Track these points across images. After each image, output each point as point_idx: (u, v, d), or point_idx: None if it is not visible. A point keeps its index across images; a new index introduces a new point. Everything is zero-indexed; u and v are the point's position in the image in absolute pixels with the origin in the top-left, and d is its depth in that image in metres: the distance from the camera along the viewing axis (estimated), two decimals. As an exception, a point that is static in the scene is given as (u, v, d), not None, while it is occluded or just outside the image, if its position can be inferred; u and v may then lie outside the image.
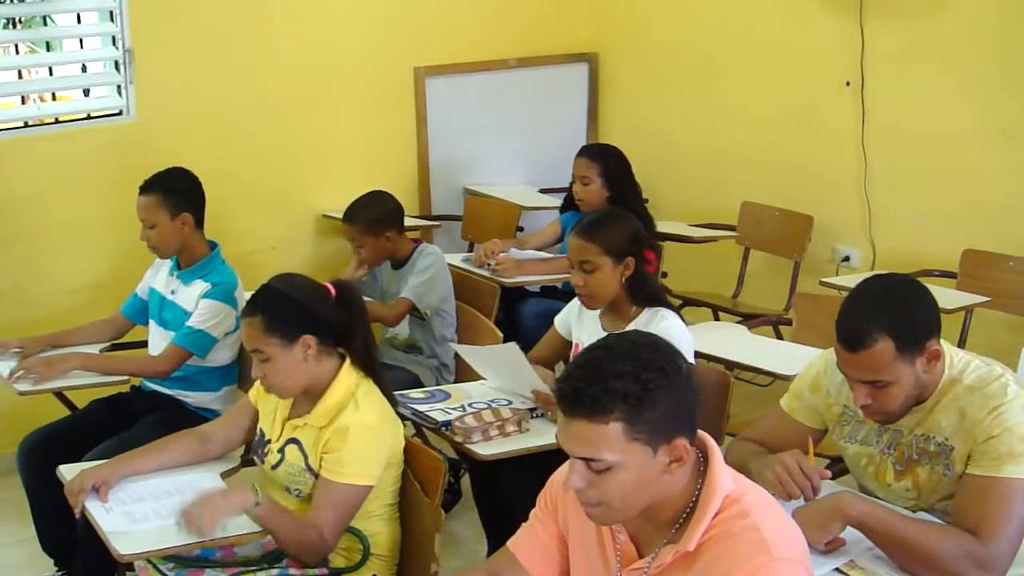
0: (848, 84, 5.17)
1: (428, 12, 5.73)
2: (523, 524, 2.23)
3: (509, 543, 2.21)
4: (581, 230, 3.27)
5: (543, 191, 5.93)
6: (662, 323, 3.17)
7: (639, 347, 1.87)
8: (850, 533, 2.33)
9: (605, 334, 3.13)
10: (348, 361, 2.83)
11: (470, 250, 5.54)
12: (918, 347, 2.36)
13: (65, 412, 3.90)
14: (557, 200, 5.29)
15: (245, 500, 2.54)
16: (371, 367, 2.83)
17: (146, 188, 3.76)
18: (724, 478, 1.93)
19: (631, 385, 1.81)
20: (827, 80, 5.28)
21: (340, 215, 4.54)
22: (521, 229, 5.48)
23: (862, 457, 2.58)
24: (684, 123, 5.98)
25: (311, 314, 2.76)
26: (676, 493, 1.93)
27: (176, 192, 3.74)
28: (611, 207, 4.26)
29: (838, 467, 2.82)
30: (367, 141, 5.63)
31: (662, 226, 5.00)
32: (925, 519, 2.42)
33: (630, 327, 3.20)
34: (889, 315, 2.36)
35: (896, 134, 5.06)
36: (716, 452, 1.96)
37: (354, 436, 2.66)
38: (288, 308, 2.74)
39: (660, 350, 1.89)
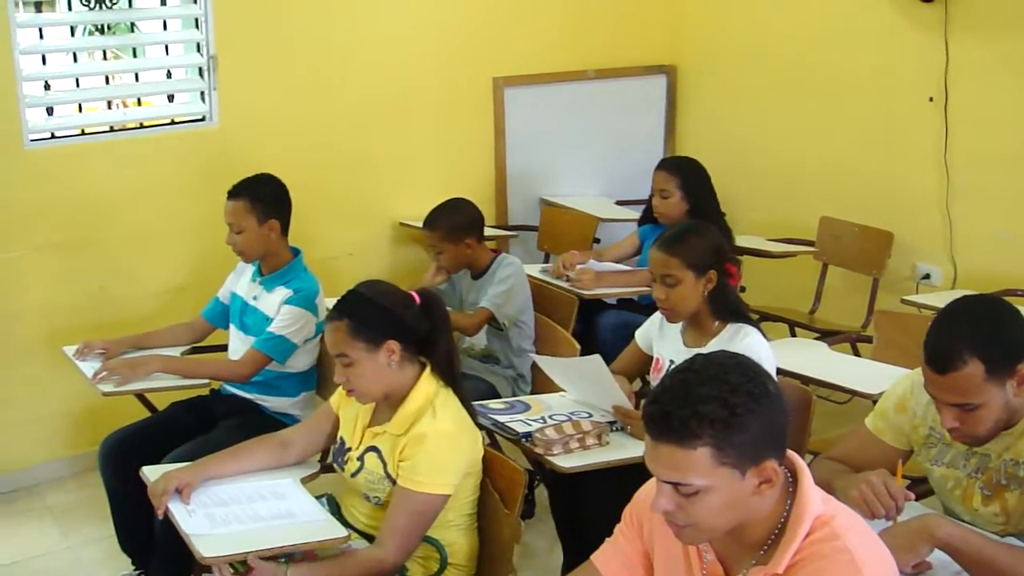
0: (931, 99, 5.12)
1: (507, 22, 5.74)
2: (608, 539, 2.21)
3: (593, 557, 2.21)
4: (663, 244, 3.26)
5: (620, 203, 5.93)
6: (745, 340, 3.15)
7: (727, 370, 1.86)
8: (936, 557, 2.30)
9: (687, 349, 3.20)
10: (428, 369, 2.85)
11: (546, 261, 5.55)
12: (1008, 370, 2.33)
13: (146, 413, 3.96)
14: (634, 212, 5.30)
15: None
16: (451, 376, 2.84)
17: (235, 193, 3.81)
18: (815, 499, 1.90)
19: (719, 410, 1.80)
20: (910, 95, 5.22)
21: (417, 223, 4.59)
22: (598, 241, 5.46)
23: (948, 480, 2.55)
24: (763, 137, 5.93)
25: (396, 320, 2.78)
26: (765, 514, 1.91)
27: (265, 198, 3.79)
28: (692, 220, 4.23)
29: (922, 488, 2.77)
30: (445, 150, 5.67)
31: (740, 240, 4.96)
32: (1014, 544, 2.38)
33: (712, 343, 3.20)
34: (979, 337, 2.33)
35: (979, 150, 4.99)
36: (806, 473, 1.94)
37: (430, 444, 2.68)
38: (374, 313, 2.77)
39: (749, 373, 1.87)
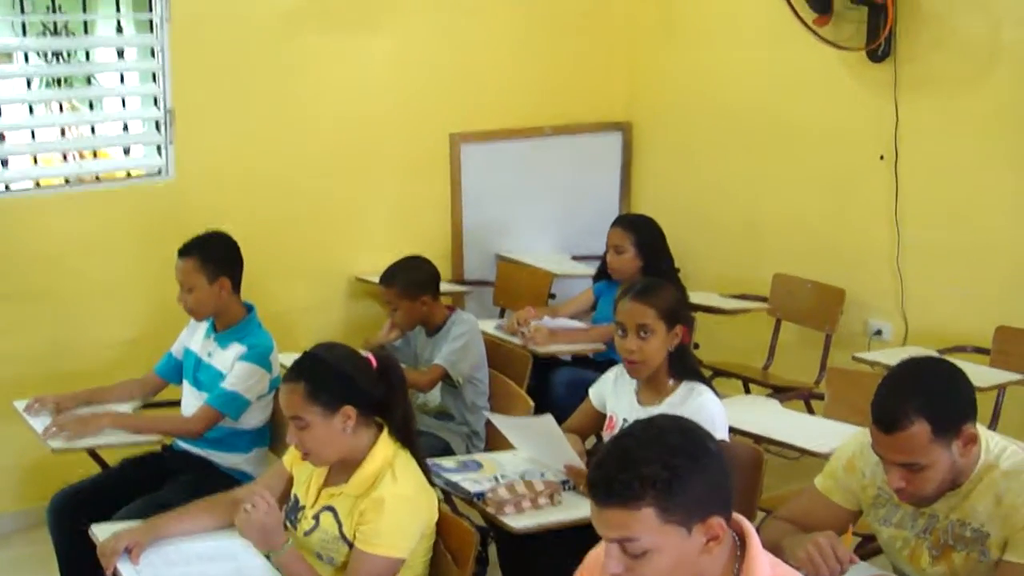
0: (882, 158, 5.19)
1: (464, 79, 5.78)
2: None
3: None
4: (637, 294, 3.26)
5: (576, 259, 5.94)
6: (699, 399, 3.17)
7: (666, 432, 1.89)
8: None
9: (641, 408, 3.21)
10: (385, 431, 2.84)
11: (502, 316, 5.55)
12: (954, 430, 2.36)
13: (96, 469, 3.92)
14: (590, 268, 5.31)
15: (275, 539, 2.61)
16: (408, 438, 2.84)
17: (185, 252, 3.80)
18: (763, 564, 1.93)
19: (660, 471, 1.83)
20: (861, 153, 5.29)
21: (374, 278, 4.61)
22: (553, 296, 5.48)
23: (897, 540, 2.57)
24: (717, 194, 5.99)
25: (353, 385, 2.77)
26: (716, 574, 1.92)
27: (215, 257, 3.78)
28: (652, 277, 4.27)
29: (871, 547, 2.80)
30: (402, 205, 5.68)
31: (694, 296, 4.92)
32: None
33: (666, 402, 3.21)
34: (925, 398, 2.36)
35: (929, 208, 5.07)
36: (754, 536, 1.96)
37: (390, 508, 2.67)
38: (331, 378, 2.76)
39: (688, 434, 1.91)
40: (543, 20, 6.01)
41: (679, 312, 3.26)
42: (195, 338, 3.95)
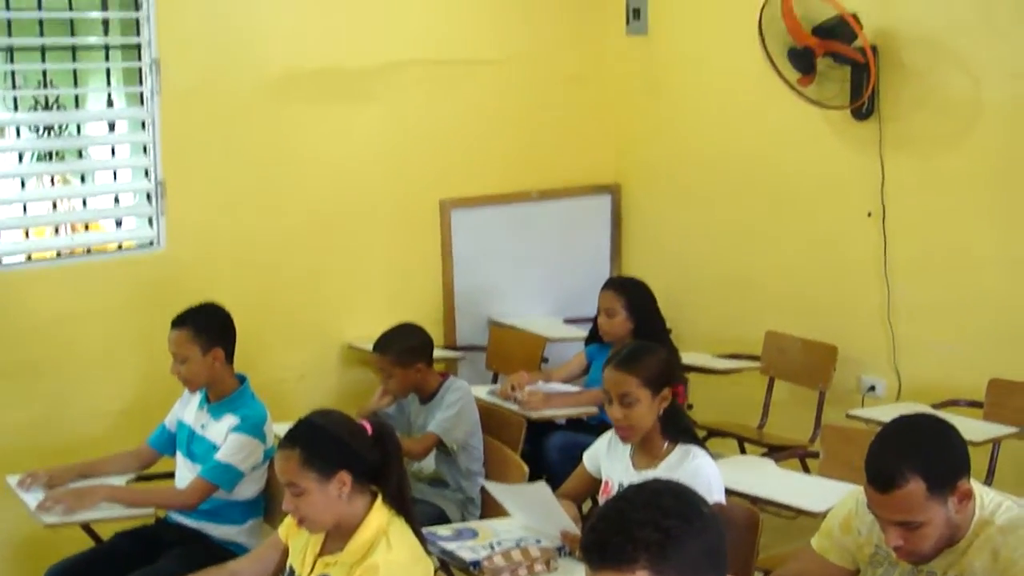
0: (870, 215, 5.23)
1: (453, 146, 5.82)
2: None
3: None
4: (619, 363, 3.28)
5: (568, 321, 5.95)
6: (694, 462, 3.18)
7: (660, 495, 1.89)
8: None
9: (636, 472, 3.21)
10: (380, 499, 2.84)
11: (495, 381, 5.54)
12: (949, 487, 2.37)
13: (90, 543, 3.89)
14: (582, 331, 5.30)
15: None
16: (403, 505, 2.83)
17: (178, 323, 3.81)
18: None
19: (653, 533, 1.81)
20: (849, 210, 5.33)
21: (366, 345, 4.60)
22: (546, 360, 5.48)
23: (896, 599, 2.56)
24: (707, 254, 6.02)
25: (349, 451, 2.77)
26: None
27: (208, 328, 3.79)
28: (641, 340, 4.29)
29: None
30: (393, 272, 5.70)
31: (686, 357, 5.00)
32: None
33: (662, 465, 3.22)
34: (919, 455, 2.37)
35: (918, 263, 5.11)
36: None
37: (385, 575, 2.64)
38: (326, 444, 2.76)
39: (681, 496, 1.90)
40: (529, 86, 6.07)
41: (666, 376, 3.27)
42: (188, 410, 3.94)
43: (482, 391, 4.78)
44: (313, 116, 5.41)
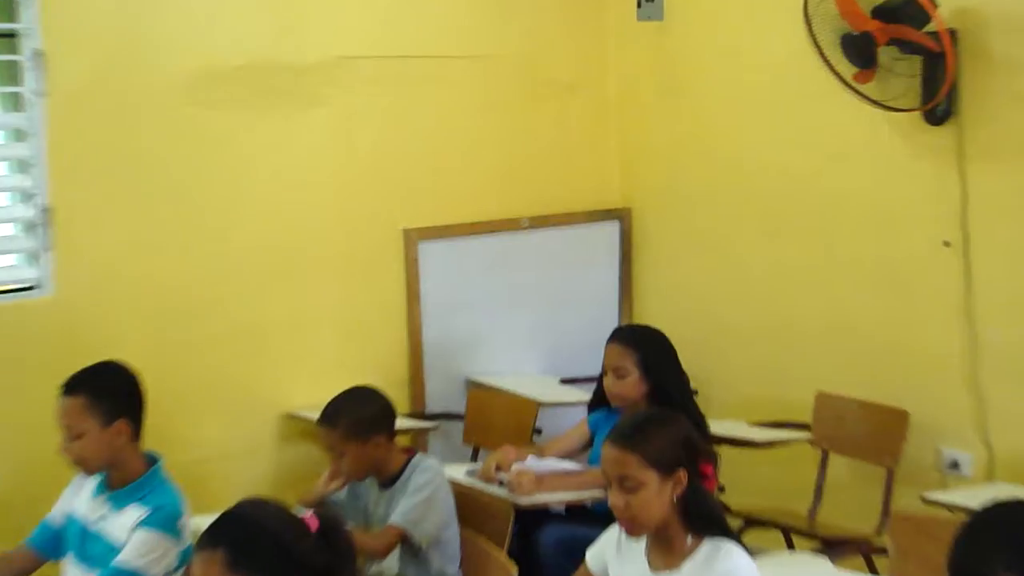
0: (947, 244, 5.22)
1: (421, 163, 5.85)
2: None
3: None
4: (618, 437, 3.25)
5: (566, 382, 5.97)
6: (727, 563, 3.13)
7: None
8: None
9: (653, 575, 3.15)
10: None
11: (475, 459, 5.56)
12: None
13: None
14: (583, 393, 5.30)
15: None
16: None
17: (71, 388, 3.73)
18: None
19: None
20: (919, 238, 5.33)
21: (312, 414, 4.55)
22: (539, 431, 5.49)
23: None
24: (741, 293, 6.04)
25: (288, 554, 2.69)
26: None
27: (110, 394, 3.74)
28: (653, 407, 4.29)
29: None
30: (345, 321, 5.72)
31: (717, 427, 4.93)
32: None
33: (686, 566, 3.17)
34: (1016, 552, 2.31)
35: (1011, 305, 5.08)
36: None
37: None
38: (259, 544, 2.67)
39: None
40: (515, 86, 6.12)
41: (682, 452, 3.23)
42: (81, 499, 3.86)
43: (459, 471, 4.74)
44: (242, 125, 5.40)
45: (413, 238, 5.88)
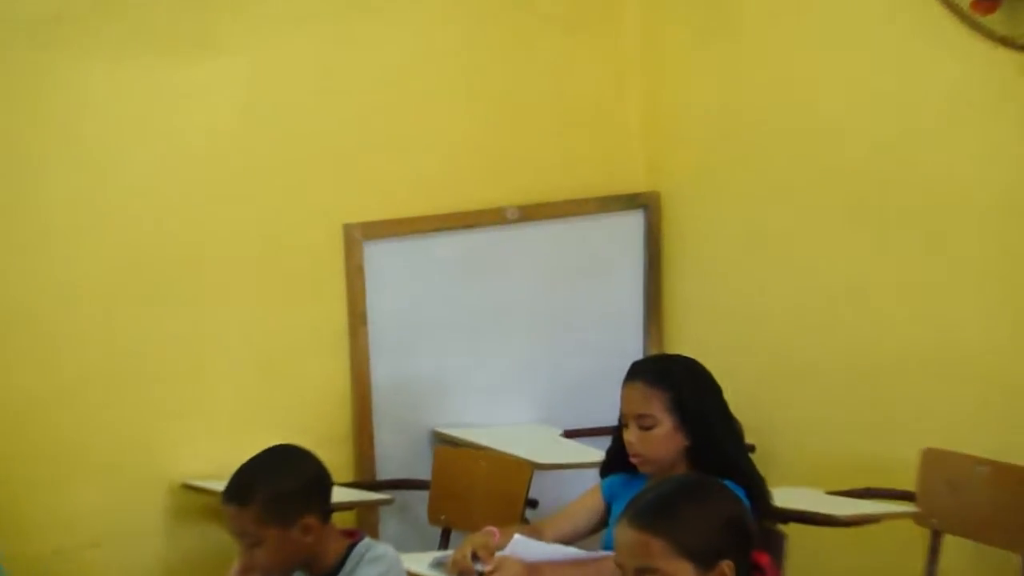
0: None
1: (366, 134, 5.94)
2: None
3: None
4: (638, 515, 3.15)
5: (570, 435, 6.00)
6: None
7: None
8: None
9: None
10: None
11: (445, 544, 5.55)
12: None
13: None
14: (594, 451, 5.34)
15: None
16: None
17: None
18: None
19: None
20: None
21: (212, 485, 4.70)
22: (533, 504, 5.48)
23: None
24: (814, 312, 6.03)
25: None
26: None
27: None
28: (689, 472, 4.23)
29: None
30: (261, 355, 5.78)
31: (781, 497, 4.79)
32: None
33: None
34: None
35: None
36: None
37: None
38: None
39: None
40: (500, 29, 6.16)
41: (727, 537, 3.13)
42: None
43: (422, 562, 4.68)
44: (116, 80, 5.40)
45: (357, 237, 5.88)
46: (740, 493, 3.83)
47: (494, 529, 4.61)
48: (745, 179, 6.21)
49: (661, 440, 4.48)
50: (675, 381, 4.54)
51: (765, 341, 6.10)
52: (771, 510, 4.49)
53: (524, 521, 5.24)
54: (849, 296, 5.90)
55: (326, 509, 4.17)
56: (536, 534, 4.72)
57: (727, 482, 3.65)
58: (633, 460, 4.56)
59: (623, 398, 4.56)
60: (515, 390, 6.23)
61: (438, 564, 4.65)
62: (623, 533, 3.17)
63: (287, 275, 5.79)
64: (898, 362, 5.73)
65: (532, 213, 6.19)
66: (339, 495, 4.60)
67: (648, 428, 4.50)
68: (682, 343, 6.16)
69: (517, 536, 4.60)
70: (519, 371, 6.26)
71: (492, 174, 6.16)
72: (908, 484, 5.43)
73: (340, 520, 4.40)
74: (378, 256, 5.90)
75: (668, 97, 6.42)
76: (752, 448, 4.82)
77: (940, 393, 5.61)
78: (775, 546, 4.35)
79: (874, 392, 5.82)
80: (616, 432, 4.66)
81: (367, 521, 5.57)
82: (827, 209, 5.93)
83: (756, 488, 4.36)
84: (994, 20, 5.10)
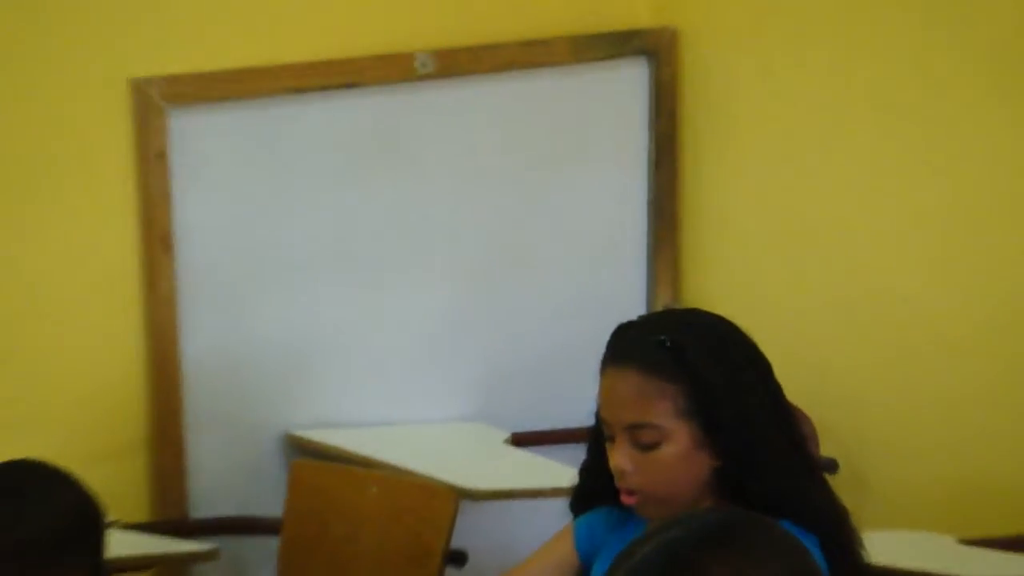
0: None
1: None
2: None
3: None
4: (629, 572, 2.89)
5: (520, 440, 6.18)
6: None
7: None
8: None
9: None
10: None
11: None
12: None
13: None
14: (563, 468, 5.30)
15: None
16: None
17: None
18: None
19: None
20: None
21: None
22: (460, 560, 5.54)
23: None
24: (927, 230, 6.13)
25: None
26: None
27: None
28: (719, 507, 4.04)
29: None
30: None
31: (884, 546, 4.60)
32: None
33: None
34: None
35: None
36: None
37: None
38: None
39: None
40: None
41: None
42: None
43: None
44: None
45: (156, 101, 5.92)
46: (808, 542, 3.71)
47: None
48: (797, 17, 6.31)
49: (672, 465, 4.25)
50: (691, 363, 4.31)
51: (853, 284, 6.07)
52: (863, 570, 4.25)
53: (440, 576, 5.19)
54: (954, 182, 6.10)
55: (96, 563, 4.04)
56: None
57: (785, 523, 3.52)
58: (627, 500, 4.34)
59: (602, 395, 4.35)
60: (431, 368, 6.34)
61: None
62: None
63: (33, 168, 5.87)
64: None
65: (460, 63, 6.25)
66: (124, 544, 4.59)
67: (650, 446, 4.26)
68: (712, 287, 6.19)
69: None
70: (438, 336, 6.38)
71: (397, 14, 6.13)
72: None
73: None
74: (193, 136, 5.93)
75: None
76: (832, 467, 4.89)
77: None
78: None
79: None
80: (593, 444, 4.47)
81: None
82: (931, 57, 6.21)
83: (835, 533, 4.10)
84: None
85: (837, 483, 4.42)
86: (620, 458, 4.18)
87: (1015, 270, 5.95)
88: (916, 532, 5.41)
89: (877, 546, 4.29)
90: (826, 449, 4.86)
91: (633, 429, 4.15)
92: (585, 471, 4.47)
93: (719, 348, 4.27)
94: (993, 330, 5.97)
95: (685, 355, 4.20)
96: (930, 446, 5.91)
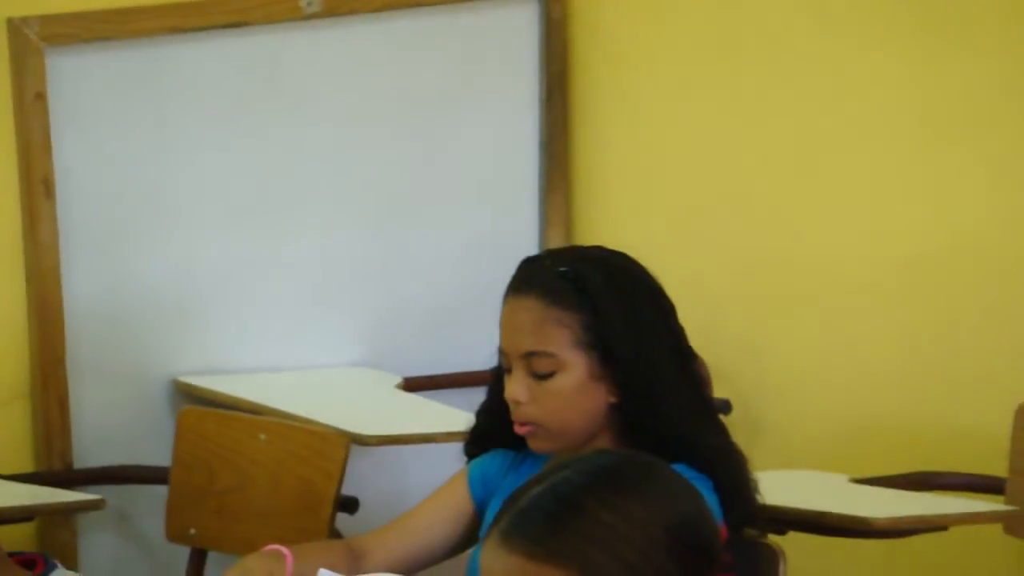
0: None
1: None
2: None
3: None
4: (516, 530, 3.03)
5: (412, 385, 6.29)
6: None
7: None
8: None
9: None
10: None
11: (199, 571, 5.74)
12: None
13: None
14: (457, 413, 5.51)
15: None
16: None
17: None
18: None
19: None
20: None
21: None
22: (352, 506, 5.63)
23: None
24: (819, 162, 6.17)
25: None
26: None
27: None
28: (613, 449, 4.16)
29: None
30: None
31: (777, 487, 4.78)
32: None
33: None
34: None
35: None
36: None
37: None
38: None
39: None
40: None
41: (666, 555, 3.03)
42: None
43: None
44: None
45: (33, 41, 6.00)
46: (701, 485, 3.85)
47: (284, 550, 4.61)
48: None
49: (567, 396, 4.39)
50: (592, 293, 4.47)
51: (747, 225, 6.22)
52: (756, 512, 4.43)
53: (336, 535, 5.36)
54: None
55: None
56: (356, 559, 4.75)
57: (679, 467, 3.70)
58: (520, 430, 4.49)
59: (503, 325, 4.51)
60: (320, 313, 6.47)
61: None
62: (494, 560, 3.07)
63: None
64: (976, 263, 5.90)
65: (346, 2, 6.38)
66: (6, 495, 4.76)
67: (545, 376, 4.40)
68: (605, 227, 6.29)
69: (323, 571, 4.59)
70: (327, 280, 6.51)
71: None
72: (989, 466, 5.53)
73: (10, 538, 4.40)
74: (73, 77, 6.01)
75: None
76: (726, 408, 5.02)
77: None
78: (764, 571, 4.46)
79: (936, 314, 6.00)
80: (493, 383, 4.65)
81: (58, 539, 5.75)
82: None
83: (729, 476, 4.31)
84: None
85: (730, 423, 4.62)
86: (515, 387, 4.30)
87: (911, 208, 6.10)
88: (808, 471, 5.57)
89: (769, 486, 4.44)
90: (719, 390, 4.98)
91: (530, 357, 4.28)
92: (482, 412, 4.60)
93: (622, 283, 4.42)
94: (886, 271, 6.16)
95: (586, 286, 4.36)
96: (822, 386, 6.07)
